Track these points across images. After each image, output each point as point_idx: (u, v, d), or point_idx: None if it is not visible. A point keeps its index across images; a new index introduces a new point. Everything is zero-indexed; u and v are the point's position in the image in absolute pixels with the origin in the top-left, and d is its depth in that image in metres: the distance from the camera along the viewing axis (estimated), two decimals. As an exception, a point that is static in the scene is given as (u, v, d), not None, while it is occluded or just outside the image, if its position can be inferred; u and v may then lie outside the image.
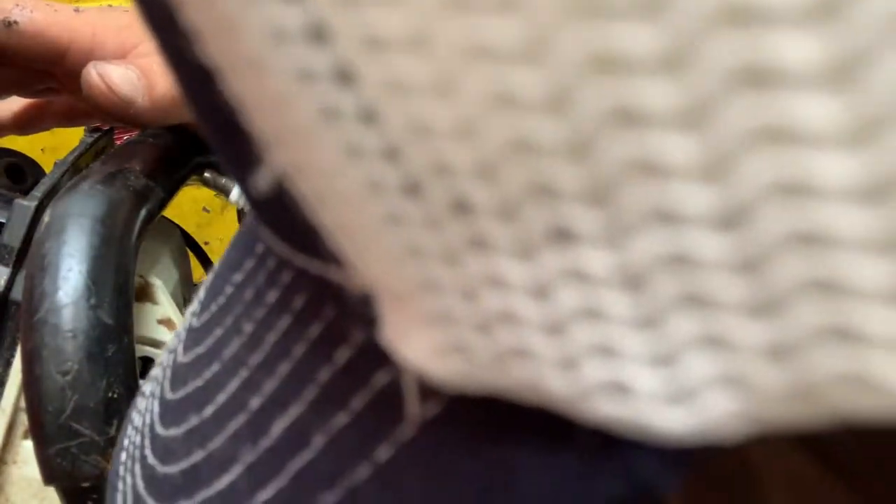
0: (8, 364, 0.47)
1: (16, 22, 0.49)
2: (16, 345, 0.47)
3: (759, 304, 0.08)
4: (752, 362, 0.08)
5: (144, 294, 0.50)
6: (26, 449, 0.47)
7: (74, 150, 0.53)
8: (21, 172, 0.62)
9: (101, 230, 0.44)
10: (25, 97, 0.57)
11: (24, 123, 0.57)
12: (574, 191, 0.08)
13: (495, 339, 0.10)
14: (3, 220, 0.49)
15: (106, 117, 0.53)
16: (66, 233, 0.43)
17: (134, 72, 0.48)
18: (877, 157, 0.07)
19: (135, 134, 0.52)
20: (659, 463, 0.10)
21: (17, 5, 0.49)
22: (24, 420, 0.46)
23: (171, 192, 0.49)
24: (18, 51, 0.50)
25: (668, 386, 0.09)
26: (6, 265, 0.47)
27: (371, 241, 0.11)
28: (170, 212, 0.50)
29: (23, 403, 0.44)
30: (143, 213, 0.46)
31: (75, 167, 0.51)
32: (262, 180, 0.12)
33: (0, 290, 0.46)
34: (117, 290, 0.43)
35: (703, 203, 0.08)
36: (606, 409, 0.09)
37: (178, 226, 0.62)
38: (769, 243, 0.08)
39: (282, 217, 0.13)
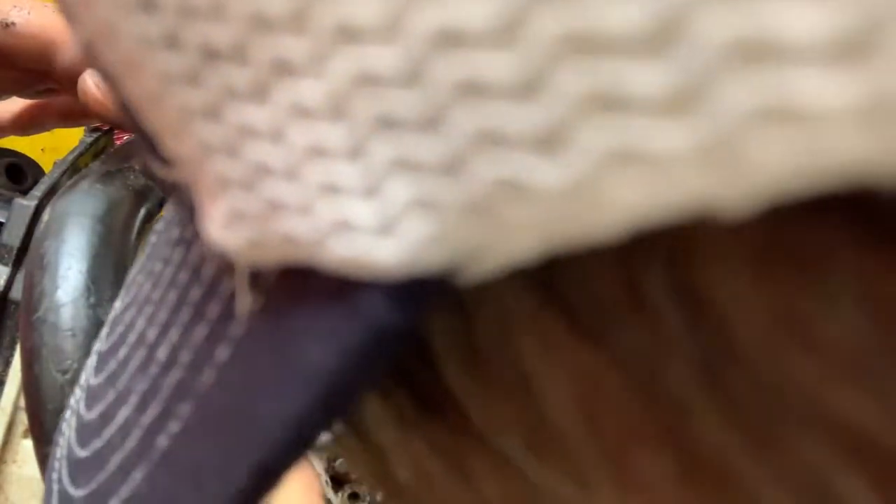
0: (7, 363, 0.47)
1: (13, 23, 0.49)
2: (15, 344, 0.47)
3: (428, 117, 0.09)
4: (434, 180, 0.09)
5: (144, 293, 0.50)
6: (26, 448, 0.47)
7: (74, 149, 0.53)
8: (21, 172, 0.62)
9: (100, 229, 0.44)
10: (25, 98, 0.57)
11: (24, 124, 0.57)
12: (282, 18, 0.09)
13: (258, 195, 0.11)
14: (2, 220, 0.49)
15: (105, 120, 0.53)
16: (65, 232, 0.43)
17: None
18: None
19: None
20: (389, 303, 0.10)
21: (15, 6, 0.49)
22: (23, 419, 0.46)
23: (170, 192, 0.49)
24: (16, 52, 0.50)
25: (379, 217, 0.09)
26: (6, 264, 0.47)
27: (160, 110, 0.12)
28: (169, 211, 0.50)
29: (22, 402, 0.44)
30: (142, 212, 0.46)
31: (75, 167, 0.51)
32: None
33: (-1, 289, 0.47)
34: (117, 288, 0.43)
35: (369, 14, 0.09)
36: (338, 251, 0.10)
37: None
38: (422, 49, 0.08)
39: (118, 106, 0.14)
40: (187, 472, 0.13)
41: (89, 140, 0.55)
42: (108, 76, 0.13)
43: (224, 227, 0.11)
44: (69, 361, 0.41)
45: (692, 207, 0.08)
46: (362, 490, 0.48)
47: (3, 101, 0.57)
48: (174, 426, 0.13)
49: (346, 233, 0.10)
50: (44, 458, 0.41)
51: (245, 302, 0.12)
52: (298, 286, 0.11)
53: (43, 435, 0.41)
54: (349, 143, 0.09)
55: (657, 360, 0.10)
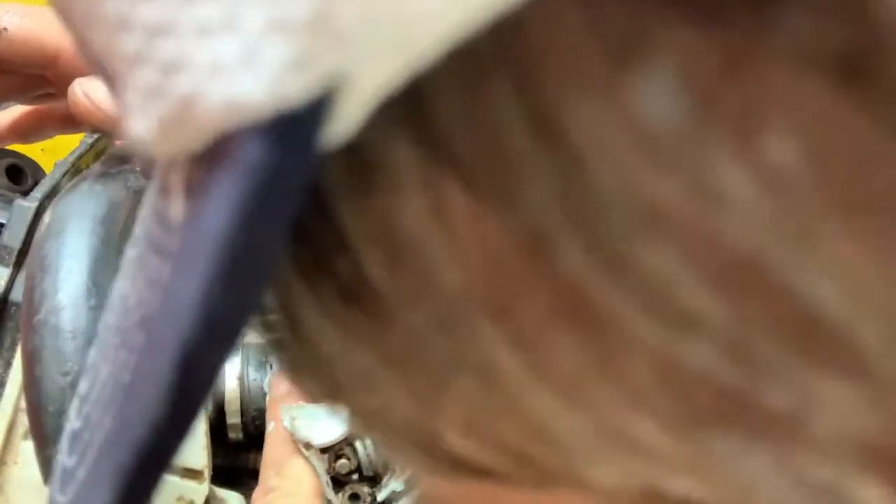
0: (8, 365, 0.47)
1: (5, 28, 0.49)
2: (16, 346, 0.47)
3: None
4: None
5: (144, 295, 0.50)
6: (26, 450, 0.47)
7: (74, 150, 0.53)
8: (21, 173, 0.62)
9: (101, 231, 0.44)
10: (23, 104, 0.56)
11: (24, 131, 0.57)
12: None
13: (154, 62, 0.11)
14: (3, 221, 0.49)
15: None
16: (66, 233, 0.43)
17: None
18: None
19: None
20: (265, 144, 0.10)
21: (7, 11, 0.49)
22: (24, 421, 0.46)
23: (170, 193, 0.49)
24: (9, 57, 0.49)
25: (241, 49, 0.10)
26: (6, 266, 0.47)
27: (74, 6, 0.12)
28: (169, 212, 0.50)
29: (23, 404, 0.44)
30: (142, 213, 0.46)
31: (75, 168, 0.51)
32: None
33: (0, 290, 0.47)
34: (117, 290, 0.43)
35: None
36: (215, 97, 0.10)
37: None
38: None
39: None
40: (139, 393, 0.13)
41: (90, 141, 0.55)
42: None
43: (139, 114, 0.11)
44: (70, 364, 0.41)
45: None
46: (363, 491, 0.48)
47: (4, 110, 0.56)
48: (132, 360, 0.13)
49: (218, 75, 0.10)
50: (45, 460, 0.41)
51: (178, 207, 0.12)
52: (206, 171, 0.11)
53: (44, 437, 0.41)
54: None
55: (519, 192, 0.11)
